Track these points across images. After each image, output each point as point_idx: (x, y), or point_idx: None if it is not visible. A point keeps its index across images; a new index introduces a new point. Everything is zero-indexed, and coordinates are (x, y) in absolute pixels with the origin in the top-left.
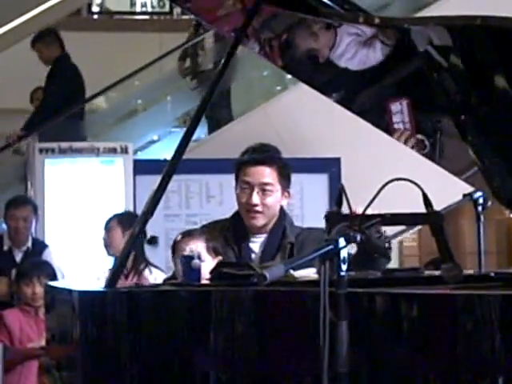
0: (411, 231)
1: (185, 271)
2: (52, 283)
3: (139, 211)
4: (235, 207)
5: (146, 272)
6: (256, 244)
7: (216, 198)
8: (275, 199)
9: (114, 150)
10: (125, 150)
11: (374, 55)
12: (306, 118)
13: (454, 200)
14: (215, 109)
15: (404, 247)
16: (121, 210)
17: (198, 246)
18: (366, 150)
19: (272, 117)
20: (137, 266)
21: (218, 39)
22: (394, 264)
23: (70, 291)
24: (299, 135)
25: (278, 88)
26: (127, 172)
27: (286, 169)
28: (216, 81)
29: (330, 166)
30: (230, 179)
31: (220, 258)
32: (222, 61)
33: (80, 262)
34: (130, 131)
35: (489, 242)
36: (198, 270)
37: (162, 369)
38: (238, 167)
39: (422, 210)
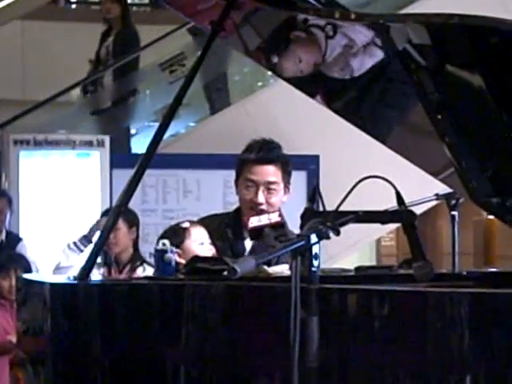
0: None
1: (158, 265)
2: (25, 276)
3: None
4: (212, 203)
5: (140, 270)
6: (250, 242)
7: (193, 193)
8: (279, 197)
9: (90, 143)
10: (101, 143)
11: (369, 61)
12: (284, 114)
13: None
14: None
15: (382, 246)
16: (98, 204)
17: (198, 232)
18: (344, 148)
19: (251, 113)
20: (133, 263)
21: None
22: (371, 263)
23: (41, 283)
24: (278, 132)
25: (259, 84)
26: (103, 165)
27: (289, 165)
28: (191, 75)
29: (308, 164)
30: (207, 175)
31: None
32: (198, 54)
33: (54, 256)
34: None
35: (466, 243)
36: (170, 264)
37: (134, 362)
38: (242, 164)
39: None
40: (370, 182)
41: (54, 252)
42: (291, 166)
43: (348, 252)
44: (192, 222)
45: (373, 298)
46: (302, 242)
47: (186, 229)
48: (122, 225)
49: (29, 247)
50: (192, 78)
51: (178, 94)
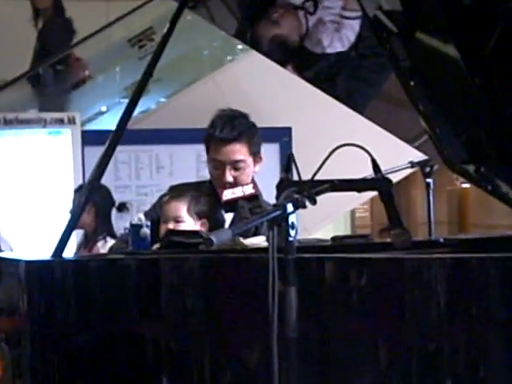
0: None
1: (133, 240)
2: None
3: None
4: (185, 178)
5: (100, 243)
6: (231, 214)
7: (166, 168)
8: (248, 172)
9: (61, 121)
10: (72, 121)
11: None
12: (256, 87)
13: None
14: None
15: (356, 218)
16: (71, 182)
17: (177, 208)
18: (317, 119)
19: (222, 86)
20: (95, 236)
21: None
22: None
23: (16, 261)
24: (249, 105)
25: (229, 58)
26: (75, 143)
27: (255, 137)
28: (160, 48)
29: (281, 136)
30: (179, 149)
31: (204, 221)
32: (166, 27)
33: (27, 235)
34: (78, 102)
35: (440, 212)
36: (146, 239)
37: (112, 338)
38: (207, 143)
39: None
40: (344, 152)
41: (26, 231)
42: (259, 137)
43: (323, 223)
44: (170, 198)
45: (350, 266)
46: (279, 212)
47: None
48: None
49: (1, 226)
50: (160, 53)
51: (147, 69)
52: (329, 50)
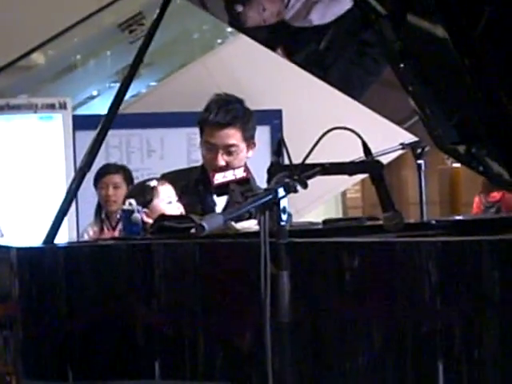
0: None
1: (125, 225)
2: None
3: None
4: (176, 162)
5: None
6: (222, 198)
7: (157, 152)
8: (240, 157)
9: (52, 106)
10: (63, 106)
11: (330, 9)
12: (246, 70)
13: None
14: None
15: (347, 199)
16: (62, 167)
17: (167, 190)
18: (307, 102)
19: (212, 69)
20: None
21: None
22: (337, 215)
23: (7, 248)
24: (240, 88)
25: (219, 41)
26: (66, 128)
27: (250, 123)
28: (151, 33)
29: (271, 118)
30: (170, 133)
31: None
32: (157, 12)
33: (18, 221)
34: (69, 86)
35: (431, 191)
36: (137, 224)
37: (103, 324)
38: (202, 126)
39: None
40: (333, 135)
41: (18, 216)
42: (254, 122)
43: (314, 205)
44: (159, 180)
45: (343, 250)
46: (270, 196)
47: (154, 187)
48: (122, 183)
49: None
50: (151, 38)
51: (137, 54)
52: (316, 23)
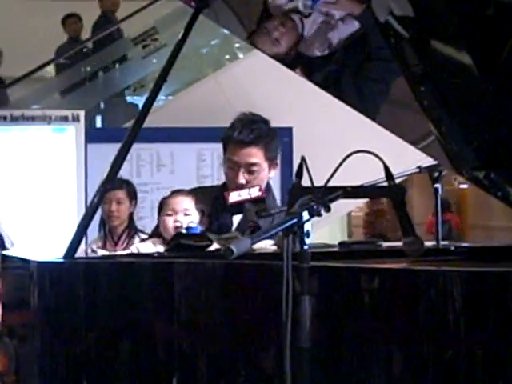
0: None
1: None
2: (6, 252)
3: (90, 179)
4: (186, 176)
5: (136, 239)
6: (238, 216)
7: (167, 166)
8: (262, 177)
9: (65, 118)
10: (76, 118)
11: (347, 31)
12: (257, 86)
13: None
14: None
15: (352, 217)
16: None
17: (185, 202)
18: (318, 120)
19: (223, 86)
20: (129, 232)
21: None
22: (342, 233)
23: (27, 261)
24: (251, 104)
25: (227, 57)
26: (79, 140)
27: (273, 143)
28: (176, 51)
29: (281, 136)
30: (180, 148)
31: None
32: (182, 32)
33: (29, 231)
34: (82, 99)
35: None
36: None
37: (122, 338)
38: (225, 143)
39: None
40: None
41: (30, 226)
42: (277, 141)
43: (320, 225)
44: (174, 192)
45: (365, 276)
46: (295, 220)
47: (163, 199)
48: (125, 198)
49: (4, 222)
50: (175, 58)
51: (161, 73)
52: (335, 48)
